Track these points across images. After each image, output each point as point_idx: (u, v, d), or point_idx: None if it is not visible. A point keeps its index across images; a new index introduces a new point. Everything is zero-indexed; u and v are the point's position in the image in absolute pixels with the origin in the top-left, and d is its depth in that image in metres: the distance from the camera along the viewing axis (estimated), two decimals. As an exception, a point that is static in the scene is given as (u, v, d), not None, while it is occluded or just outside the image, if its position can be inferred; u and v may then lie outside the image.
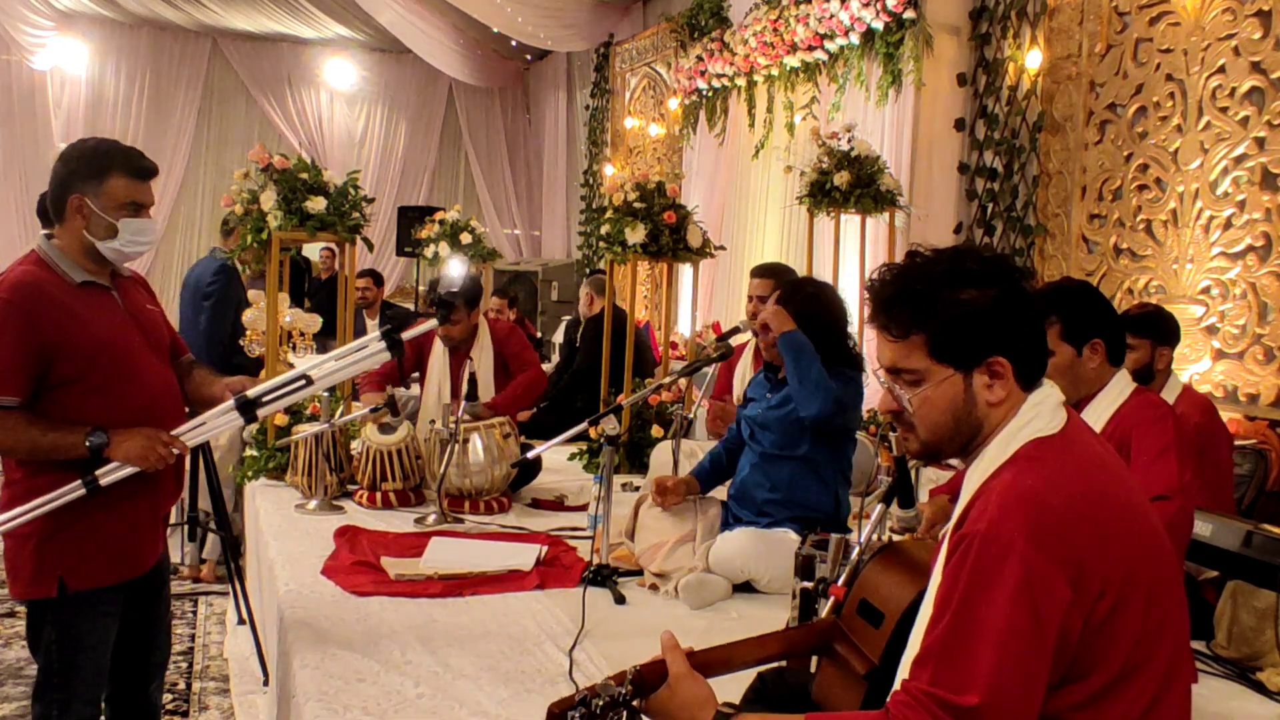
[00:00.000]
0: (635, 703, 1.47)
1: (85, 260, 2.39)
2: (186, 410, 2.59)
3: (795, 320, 3.24)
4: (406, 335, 2.64)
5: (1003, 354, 1.47)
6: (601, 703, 1.43)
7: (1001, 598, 1.29)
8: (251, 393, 2.48)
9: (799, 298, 3.29)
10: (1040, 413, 1.47)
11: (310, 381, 2.51)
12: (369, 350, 2.56)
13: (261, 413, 2.51)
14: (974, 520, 1.37)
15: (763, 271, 4.31)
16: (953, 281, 1.47)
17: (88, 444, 2.27)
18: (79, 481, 2.29)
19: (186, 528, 4.87)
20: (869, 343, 4.48)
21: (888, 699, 1.38)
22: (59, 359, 2.29)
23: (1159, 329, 3.39)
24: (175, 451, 2.39)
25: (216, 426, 2.49)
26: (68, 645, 2.38)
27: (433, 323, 2.86)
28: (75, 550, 2.35)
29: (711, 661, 1.59)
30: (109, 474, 2.32)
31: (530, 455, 3.77)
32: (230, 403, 2.47)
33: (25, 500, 2.30)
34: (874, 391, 4.94)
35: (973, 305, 1.46)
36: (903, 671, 1.43)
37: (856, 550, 2.29)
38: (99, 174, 2.37)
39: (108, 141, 2.46)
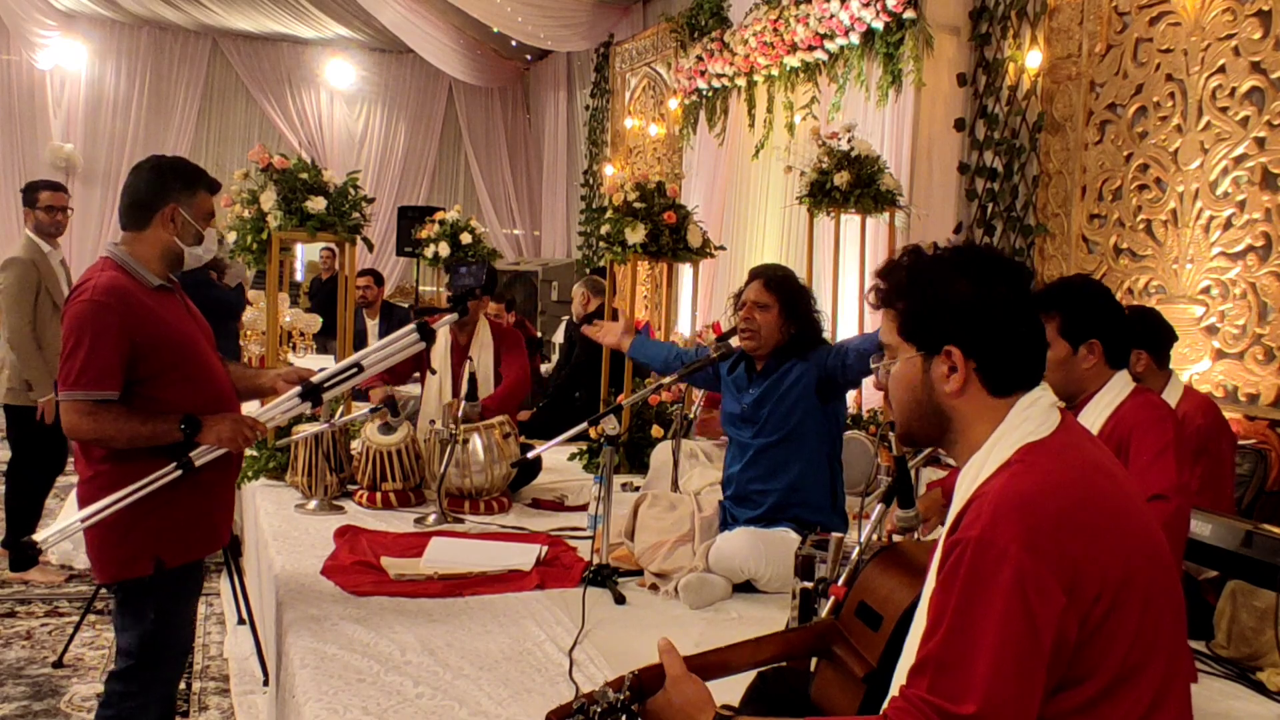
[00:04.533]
0: (634, 708, 1.46)
1: (160, 265, 2.62)
2: None
3: (783, 309, 3.37)
4: (437, 325, 2.95)
5: (959, 346, 1.48)
6: (600, 709, 1.42)
7: (996, 604, 1.29)
8: (314, 380, 2.81)
9: (787, 287, 3.42)
10: (1031, 415, 1.47)
11: (361, 369, 2.89)
12: (405, 341, 2.95)
13: (325, 397, 2.87)
14: (967, 526, 1.37)
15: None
16: (931, 267, 1.52)
17: (183, 429, 2.48)
18: (174, 464, 2.49)
19: None
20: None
21: (885, 704, 1.38)
22: (149, 355, 2.49)
23: (1136, 331, 3.36)
24: (258, 435, 2.64)
25: (287, 411, 2.84)
26: (165, 621, 2.56)
27: (454, 315, 3.29)
28: (170, 529, 2.54)
29: (709, 664, 1.58)
30: (201, 456, 2.54)
31: (530, 455, 3.77)
32: (296, 390, 2.79)
33: (116, 490, 2.46)
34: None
35: (937, 290, 1.49)
36: (900, 677, 1.43)
37: (856, 551, 2.29)
38: (191, 186, 2.63)
39: (185, 159, 2.77)
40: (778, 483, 3.30)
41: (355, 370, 2.88)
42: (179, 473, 2.50)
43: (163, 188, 2.60)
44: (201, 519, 2.64)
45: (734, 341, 3.48)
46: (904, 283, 1.53)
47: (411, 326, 2.96)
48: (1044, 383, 1.53)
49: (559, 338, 8.31)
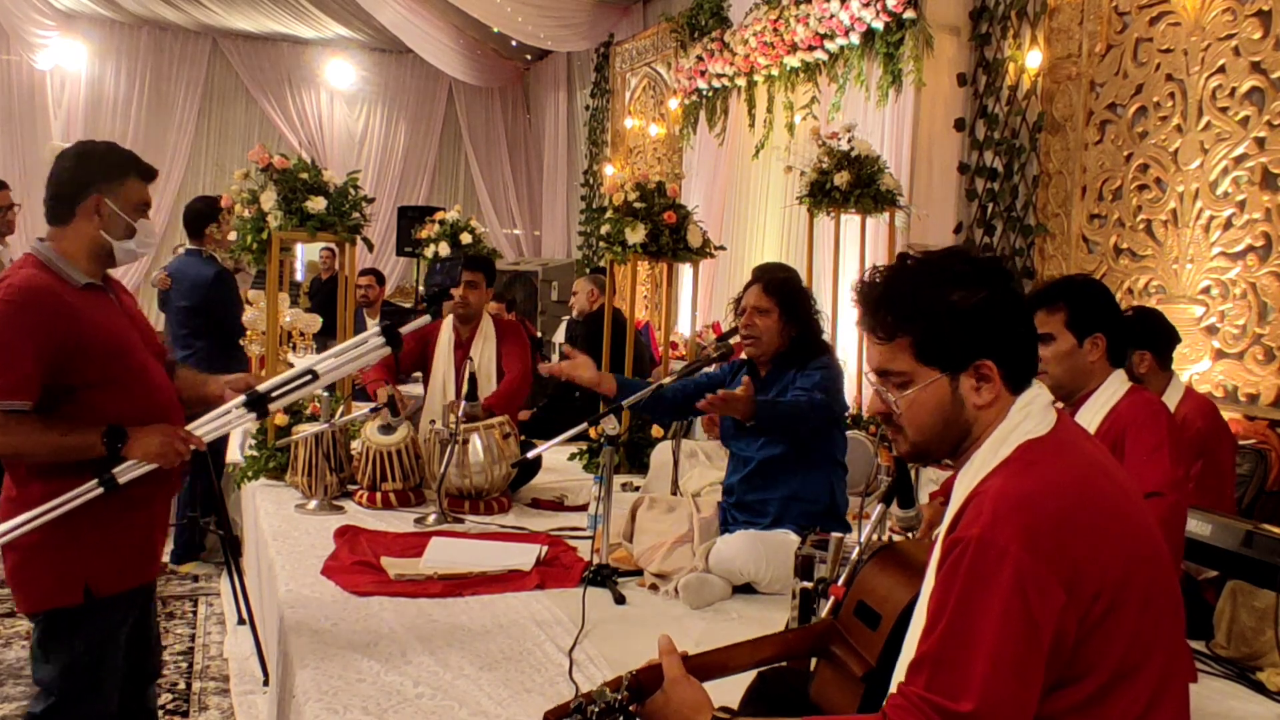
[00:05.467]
0: (632, 708, 1.46)
1: (89, 262, 2.38)
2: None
3: (784, 313, 3.33)
4: (405, 329, 2.68)
5: (990, 357, 1.46)
6: (598, 709, 1.42)
7: (996, 603, 1.30)
8: (261, 388, 2.52)
9: (787, 290, 3.38)
10: (1030, 414, 1.47)
11: (316, 376, 2.56)
12: (369, 345, 2.62)
13: (272, 407, 2.55)
14: (967, 525, 1.37)
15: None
16: (939, 284, 1.47)
17: (105, 442, 2.25)
18: (95, 481, 2.27)
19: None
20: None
21: (884, 702, 1.38)
22: (77, 361, 2.27)
23: (1137, 332, 3.38)
24: (192, 448, 2.39)
25: (229, 423, 2.52)
26: (94, 654, 2.34)
27: (426, 318, 2.94)
28: (100, 555, 2.33)
29: (708, 665, 1.58)
30: (126, 472, 2.30)
31: (530, 455, 3.77)
32: (240, 399, 2.50)
33: (36, 508, 2.26)
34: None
35: (958, 308, 1.45)
36: (899, 675, 1.43)
37: (856, 550, 2.29)
38: (118, 175, 2.38)
39: (115, 144, 2.48)
40: (778, 492, 3.29)
41: (309, 378, 2.56)
42: (101, 490, 2.26)
43: (85, 177, 2.36)
44: (136, 542, 2.41)
45: (734, 341, 3.48)
46: (913, 308, 1.47)
47: (376, 330, 2.65)
48: (1038, 382, 1.53)
49: (559, 337, 8.30)
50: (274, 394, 2.52)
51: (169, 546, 5.10)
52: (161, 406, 2.42)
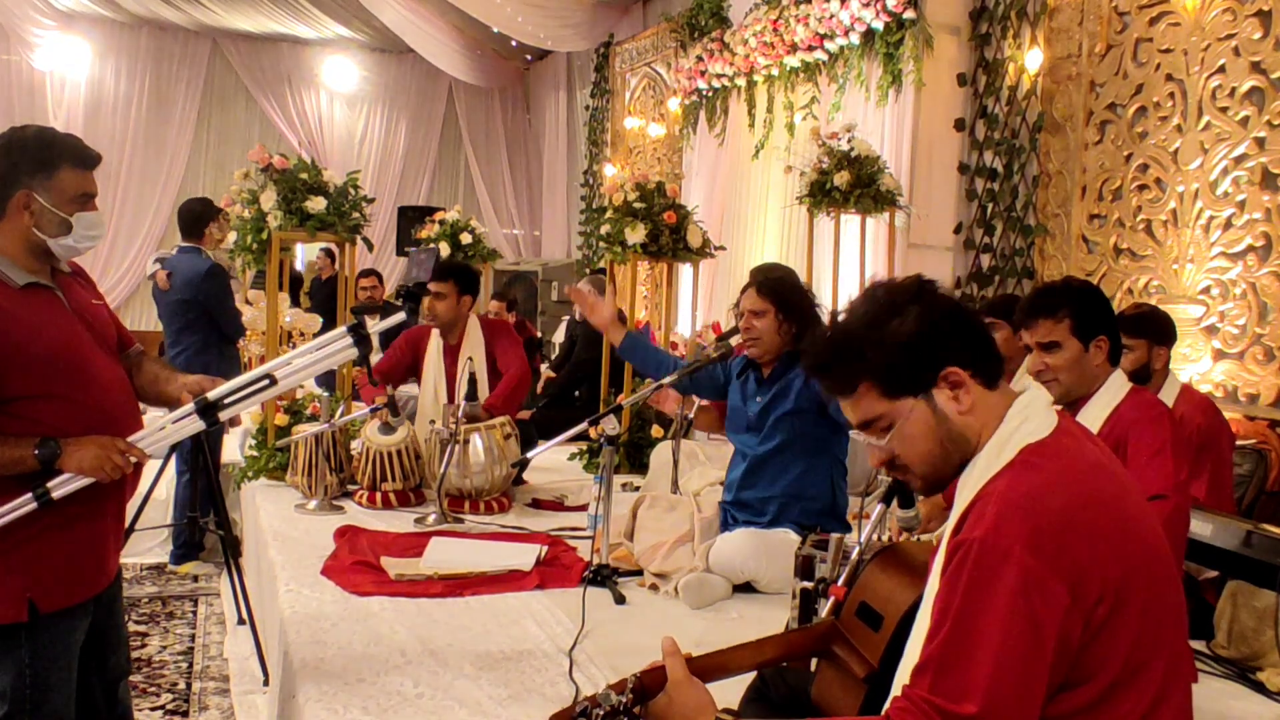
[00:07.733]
0: (636, 710, 1.46)
1: (28, 260, 2.19)
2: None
3: (779, 311, 3.33)
4: (373, 329, 2.54)
5: (952, 363, 1.48)
6: (602, 712, 1.42)
7: (999, 605, 1.30)
8: (212, 395, 2.33)
9: (781, 290, 3.37)
10: (1030, 415, 1.47)
11: (274, 381, 2.38)
12: (334, 347, 2.45)
13: (223, 415, 2.36)
14: (971, 527, 1.37)
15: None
16: (871, 321, 1.49)
17: (37, 455, 2.08)
18: (29, 495, 2.09)
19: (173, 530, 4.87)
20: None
21: (887, 704, 1.38)
22: (11, 372, 2.09)
23: (1155, 328, 3.40)
24: (133, 460, 2.20)
25: (177, 431, 2.33)
26: (42, 667, 2.20)
27: (401, 315, 2.84)
28: (44, 570, 2.17)
29: (709, 667, 1.58)
30: (61, 486, 2.12)
31: (530, 455, 3.77)
32: (190, 405, 2.32)
33: None
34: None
35: (899, 332, 1.47)
36: (902, 677, 1.43)
37: (856, 551, 2.29)
38: (47, 166, 2.17)
39: (49, 130, 2.27)
40: (778, 488, 3.30)
41: (266, 383, 2.37)
42: (34, 506, 2.09)
43: (11, 172, 2.15)
44: (83, 555, 2.23)
45: (734, 341, 3.49)
46: (858, 353, 1.49)
47: (342, 330, 2.45)
48: (1035, 384, 1.54)
49: (559, 337, 8.31)
50: (226, 400, 2.34)
51: (169, 546, 5.12)
52: (109, 414, 2.23)
